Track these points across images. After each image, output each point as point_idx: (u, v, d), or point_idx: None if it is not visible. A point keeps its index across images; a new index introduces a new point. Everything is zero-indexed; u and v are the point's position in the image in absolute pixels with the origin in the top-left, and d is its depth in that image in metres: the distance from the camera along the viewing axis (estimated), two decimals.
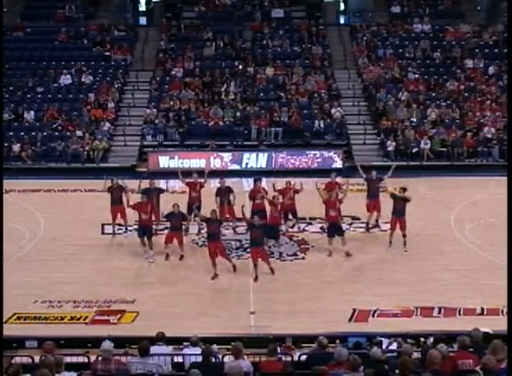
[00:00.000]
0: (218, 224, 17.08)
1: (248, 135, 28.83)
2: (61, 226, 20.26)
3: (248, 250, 17.69)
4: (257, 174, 23.88)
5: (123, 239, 19.39)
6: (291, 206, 19.20)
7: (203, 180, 19.64)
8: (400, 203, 18.28)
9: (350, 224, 20.10)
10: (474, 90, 30.89)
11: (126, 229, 19.58)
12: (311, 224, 20.17)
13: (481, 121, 29.09)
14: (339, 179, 20.65)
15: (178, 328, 13.25)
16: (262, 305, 14.99)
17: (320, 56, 32.72)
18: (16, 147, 27.69)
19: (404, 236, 18.33)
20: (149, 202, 18.34)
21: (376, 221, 19.92)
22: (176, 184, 21.61)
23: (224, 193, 19.37)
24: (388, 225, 18.91)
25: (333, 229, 18.11)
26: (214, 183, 20.96)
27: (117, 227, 19.62)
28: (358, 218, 20.42)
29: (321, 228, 19.67)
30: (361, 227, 20.04)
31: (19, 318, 14.30)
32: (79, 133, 28.41)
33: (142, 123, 29.50)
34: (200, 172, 20.39)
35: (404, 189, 18.53)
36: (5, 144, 27.29)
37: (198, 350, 10.50)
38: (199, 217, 18.38)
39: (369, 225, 19.87)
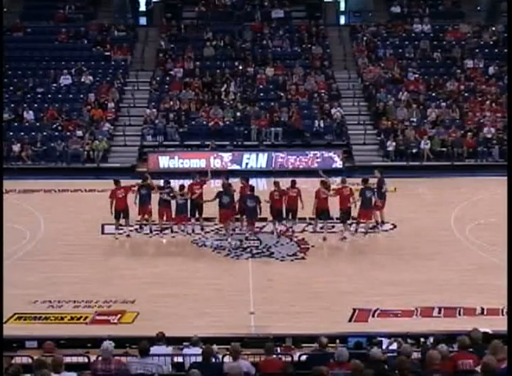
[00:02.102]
0: (230, 194, 18.96)
1: (248, 135, 28.84)
2: (61, 226, 20.27)
3: (248, 249, 18.43)
4: (257, 174, 23.96)
5: (123, 239, 19.42)
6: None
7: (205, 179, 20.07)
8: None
9: (350, 224, 20.07)
10: (474, 90, 30.91)
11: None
12: (311, 224, 20.15)
13: (481, 121, 29.11)
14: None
15: (178, 328, 13.24)
16: (262, 305, 14.98)
17: (320, 56, 32.75)
18: (16, 147, 27.70)
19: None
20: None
21: (382, 221, 20.05)
22: (176, 184, 21.60)
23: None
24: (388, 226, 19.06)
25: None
26: (214, 183, 21.06)
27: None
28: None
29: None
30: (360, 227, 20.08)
31: (19, 318, 14.27)
32: (79, 133, 28.44)
33: (142, 123, 29.52)
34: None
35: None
36: (5, 144, 27.30)
37: (198, 350, 10.48)
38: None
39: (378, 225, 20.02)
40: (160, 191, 19.50)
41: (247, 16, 34.97)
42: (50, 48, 33.47)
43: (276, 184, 19.54)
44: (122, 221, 19.37)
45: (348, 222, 19.52)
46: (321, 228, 19.48)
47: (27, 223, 20.36)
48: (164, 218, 19.50)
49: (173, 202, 19.42)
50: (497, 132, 28.46)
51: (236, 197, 19.37)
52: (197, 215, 19.74)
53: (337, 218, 19.50)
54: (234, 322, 14.09)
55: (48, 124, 29.22)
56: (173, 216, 19.49)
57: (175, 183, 20.17)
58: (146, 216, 19.68)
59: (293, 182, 19.50)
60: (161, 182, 20.13)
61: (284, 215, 19.68)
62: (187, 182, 19.97)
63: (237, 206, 19.37)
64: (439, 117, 29.46)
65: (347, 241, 19.11)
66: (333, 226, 19.93)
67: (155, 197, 19.61)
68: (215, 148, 27.92)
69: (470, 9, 36.16)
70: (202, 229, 19.76)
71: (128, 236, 19.47)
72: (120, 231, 19.47)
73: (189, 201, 19.46)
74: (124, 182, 19.81)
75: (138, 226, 19.87)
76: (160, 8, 36.44)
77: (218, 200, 19.07)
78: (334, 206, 19.34)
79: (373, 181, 19.76)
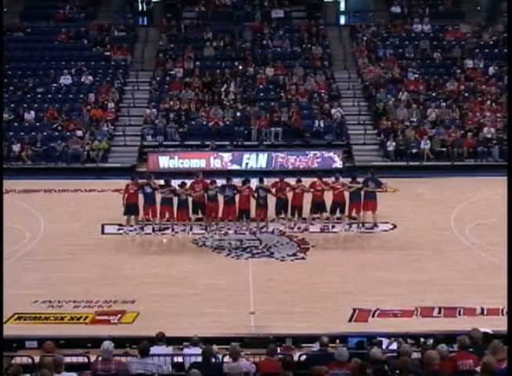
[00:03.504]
0: (232, 190, 19.60)
1: (248, 135, 28.84)
2: (61, 226, 20.26)
3: (248, 249, 18.47)
4: (257, 174, 24.00)
5: (123, 238, 19.43)
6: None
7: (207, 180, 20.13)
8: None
9: (349, 224, 20.10)
10: (474, 90, 30.89)
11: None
12: (311, 224, 20.16)
13: (481, 121, 29.09)
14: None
15: (178, 328, 13.24)
16: (262, 305, 14.98)
17: (320, 56, 32.74)
18: (16, 147, 27.68)
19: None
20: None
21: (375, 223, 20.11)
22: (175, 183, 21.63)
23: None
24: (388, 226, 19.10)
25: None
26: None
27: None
28: (355, 218, 20.44)
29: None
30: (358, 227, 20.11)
31: (19, 318, 14.27)
32: (79, 133, 28.42)
33: (142, 123, 29.50)
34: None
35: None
36: (5, 144, 27.29)
37: (198, 350, 10.49)
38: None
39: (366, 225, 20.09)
40: (162, 190, 19.53)
41: (247, 16, 34.97)
42: (50, 48, 33.47)
43: (281, 178, 20.08)
44: (131, 219, 19.47)
45: (347, 221, 19.73)
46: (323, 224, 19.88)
47: (26, 223, 20.35)
48: (166, 217, 19.51)
49: (175, 200, 19.49)
50: (497, 132, 28.44)
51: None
52: (200, 215, 19.84)
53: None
54: (234, 322, 14.09)
55: (48, 124, 29.20)
56: (175, 215, 19.53)
57: (175, 183, 20.17)
58: (148, 216, 19.68)
59: (299, 180, 19.86)
60: (162, 182, 20.15)
61: (290, 212, 19.94)
62: (188, 182, 20.02)
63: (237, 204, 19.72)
64: (439, 117, 29.44)
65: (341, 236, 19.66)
66: (333, 226, 19.99)
67: (157, 197, 19.67)
68: (215, 148, 27.92)
69: (470, 9, 36.15)
70: (206, 229, 19.78)
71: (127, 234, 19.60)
72: (131, 228, 19.59)
73: (190, 200, 19.55)
74: (126, 182, 19.87)
75: (140, 226, 19.82)
76: (160, 8, 36.45)
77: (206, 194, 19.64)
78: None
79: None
